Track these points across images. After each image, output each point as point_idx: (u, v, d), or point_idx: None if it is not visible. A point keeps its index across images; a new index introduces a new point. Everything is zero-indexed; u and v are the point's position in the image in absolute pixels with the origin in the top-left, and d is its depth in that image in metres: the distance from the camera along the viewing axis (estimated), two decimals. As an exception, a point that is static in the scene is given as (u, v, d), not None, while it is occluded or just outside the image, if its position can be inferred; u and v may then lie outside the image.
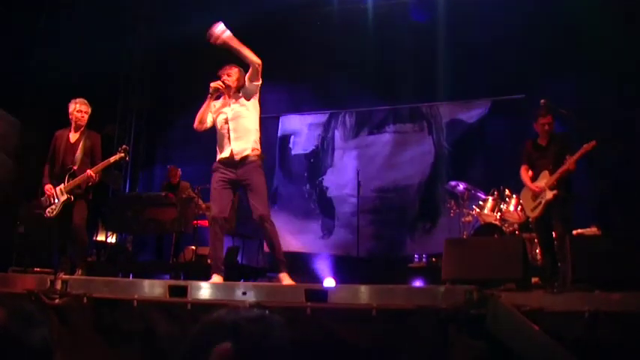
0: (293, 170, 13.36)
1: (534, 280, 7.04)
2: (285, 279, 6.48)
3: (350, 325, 5.10)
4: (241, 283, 8.01)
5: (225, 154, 6.61)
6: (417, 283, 9.29)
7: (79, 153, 7.60)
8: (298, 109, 13.63)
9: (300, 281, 8.60)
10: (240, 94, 6.76)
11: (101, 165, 7.50)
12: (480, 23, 11.55)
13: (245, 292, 5.55)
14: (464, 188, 9.90)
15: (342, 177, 12.76)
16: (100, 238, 12.45)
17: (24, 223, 10.39)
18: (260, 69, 6.58)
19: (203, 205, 10.35)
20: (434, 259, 10.42)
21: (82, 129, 7.74)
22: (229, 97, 6.82)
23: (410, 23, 12.32)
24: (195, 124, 6.85)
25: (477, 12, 11.59)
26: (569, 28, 10.75)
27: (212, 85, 6.77)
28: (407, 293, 5.46)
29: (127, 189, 14.28)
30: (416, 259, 10.84)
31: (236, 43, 6.46)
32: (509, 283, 6.17)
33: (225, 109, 6.78)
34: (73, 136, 7.71)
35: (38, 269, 8.53)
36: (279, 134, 13.61)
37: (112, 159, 7.54)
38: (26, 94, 12.54)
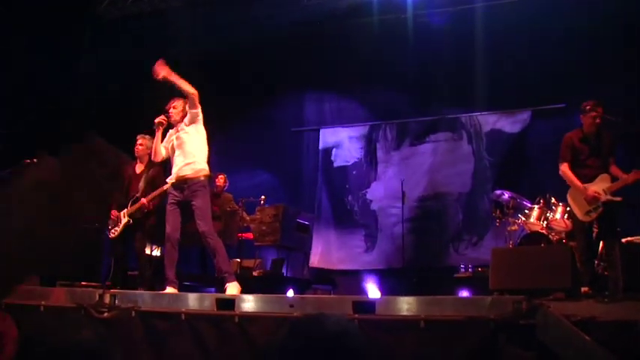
0: (335, 183, 13.32)
1: (584, 289, 6.89)
2: (230, 288, 6.79)
3: (398, 336, 5.08)
4: (288, 295, 8.03)
5: (172, 178, 7.31)
6: (464, 294, 9.21)
7: (141, 183, 8.43)
8: (338, 121, 13.62)
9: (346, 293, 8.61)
10: (184, 122, 7.35)
11: (154, 194, 8.25)
12: (518, 32, 11.46)
13: (292, 305, 5.57)
14: (509, 197, 9.77)
15: (385, 189, 12.69)
16: (146, 251, 12.55)
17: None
18: (196, 98, 7.17)
19: (247, 218, 10.39)
20: (480, 268, 10.31)
21: (146, 161, 8.54)
22: (176, 126, 7.42)
23: (449, 33, 12.23)
24: (152, 157, 7.72)
25: (515, 21, 11.49)
26: (610, 34, 10.62)
27: (156, 120, 7.46)
28: (454, 304, 5.43)
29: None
30: (462, 270, 10.74)
31: (174, 78, 7.06)
32: (557, 292, 6.08)
33: (172, 138, 7.44)
34: (139, 167, 8.61)
35: (84, 283, 8.64)
36: (320, 147, 13.61)
37: (165, 187, 8.02)
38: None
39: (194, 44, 13.66)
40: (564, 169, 7.05)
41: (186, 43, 13.93)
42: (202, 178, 7.20)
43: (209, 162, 7.40)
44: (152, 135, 8.36)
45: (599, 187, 6.84)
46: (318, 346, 1.60)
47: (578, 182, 6.94)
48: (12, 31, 11.97)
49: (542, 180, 10.17)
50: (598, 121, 6.94)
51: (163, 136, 7.55)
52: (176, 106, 7.41)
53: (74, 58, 13.27)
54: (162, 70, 7.06)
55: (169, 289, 6.98)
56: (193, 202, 7.08)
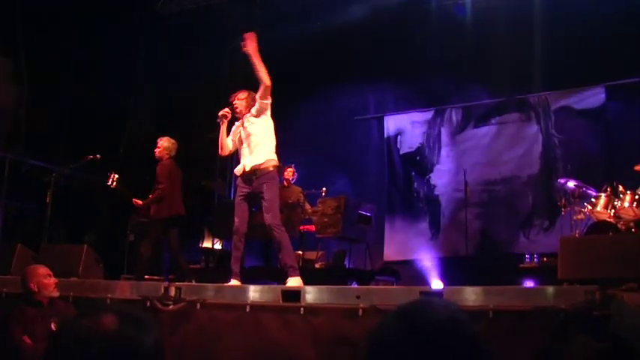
0: (402, 170, 13.27)
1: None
2: (291, 282, 6.74)
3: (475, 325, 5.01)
4: (354, 287, 8.00)
5: (240, 170, 7.26)
6: (529, 284, 9.04)
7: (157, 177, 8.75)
8: (402, 108, 13.55)
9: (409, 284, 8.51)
10: (251, 114, 7.24)
11: (148, 201, 8.71)
12: (581, 6, 11.13)
13: (359, 296, 5.53)
14: (575, 186, 9.57)
15: (449, 174, 12.57)
16: (207, 244, 12.68)
17: (134, 232, 10.72)
18: (269, 89, 7.06)
19: (310, 210, 10.38)
20: (545, 258, 10.12)
21: (161, 160, 8.84)
22: (242, 118, 7.33)
23: (509, 15, 12.00)
24: (219, 151, 7.55)
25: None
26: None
27: (219, 113, 7.39)
28: (523, 294, 5.36)
29: (232, 195, 14.47)
30: (527, 259, 10.54)
31: (257, 59, 6.96)
32: (630, 282, 5.91)
33: (239, 130, 7.39)
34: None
35: (147, 277, 8.77)
36: (385, 134, 13.54)
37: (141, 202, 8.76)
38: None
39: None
40: None
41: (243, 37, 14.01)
42: (271, 169, 7.13)
43: (277, 153, 7.31)
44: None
45: None
46: (429, 332, 1.54)
47: None
48: (71, 32, 12.22)
49: (615, 157, 9.94)
50: None
51: (228, 129, 7.49)
52: (240, 98, 7.32)
53: (133, 55, 13.48)
54: (251, 44, 6.95)
55: (233, 282, 6.98)
56: (262, 194, 7.02)
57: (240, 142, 7.31)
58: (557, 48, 11.33)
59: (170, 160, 8.87)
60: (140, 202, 8.78)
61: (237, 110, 7.31)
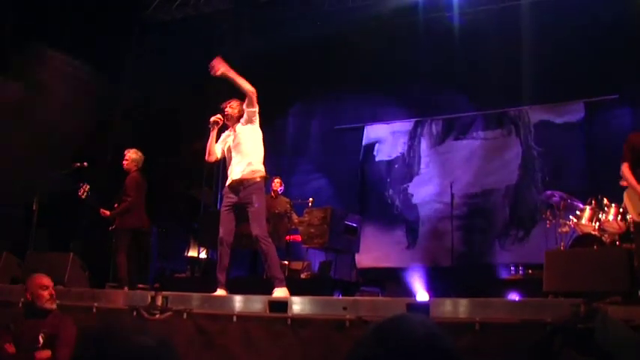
0: (375, 177, 13.39)
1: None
2: (277, 293, 6.74)
3: (454, 339, 5.03)
4: (340, 298, 8.01)
5: (229, 180, 7.24)
6: (514, 296, 9.09)
7: (123, 189, 8.90)
8: (384, 118, 13.64)
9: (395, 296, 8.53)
10: (240, 122, 7.26)
11: (115, 211, 8.84)
12: (565, 25, 11.37)
13: (345, 307, 5.55)
14: (559, 198, 9.64)
15: (428, 184, 12.69)
16: (192, 253, 12.68)
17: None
18: (254, 97, 7.07)
19: (296, 220, 10.40)
20: (530, 270, 10.18)
21: (129, 172, 8.98)
22: (232, 127, 7.34)
23: (494, 28, 12.14)
24: (206, 157, 7.51)
25: (561, 12, 11.38)
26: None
27: (211, 119, 7.35)
28: (509, 306, 5.38)
29: (219, 205, 14.43)
30: (512, 272, 10.62)
31: (233, 74, 7.01)
32: (614, 295, 5.97)
33: (228, 139, 7.40)
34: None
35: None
36: (363, 143, 13.65)
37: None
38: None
39: (237, 46, 13.79)
40: (624, 168, 6.98)
41: (230, 45, 14.07)
42: (258, 180, 7.11)
43: (265, 163, 7.32)
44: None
45: None
46: (407, 349, 1.56)
47: (634, 182, 6.88)
48: (60, 36, 12.19)
49: (594, 170, 10.05)
50: None
51: (218, 136, 7.49)
52: (232, 106, 7.33)
53: (121, 62, 13.46)
54: (220, 66, 6.96)
55: (219, 292, 6.97)
56: (248, 205, 6.99)
57: (229, 150, 7.29)
58: (538, 63, 11.51)
59: (138, 172, 8.99)
60: (107, 212, 8.86)
61: (228, 118, 7.30)
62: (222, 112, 7.35)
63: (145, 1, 13.70)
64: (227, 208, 7.17)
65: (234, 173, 7.15)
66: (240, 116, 7.27)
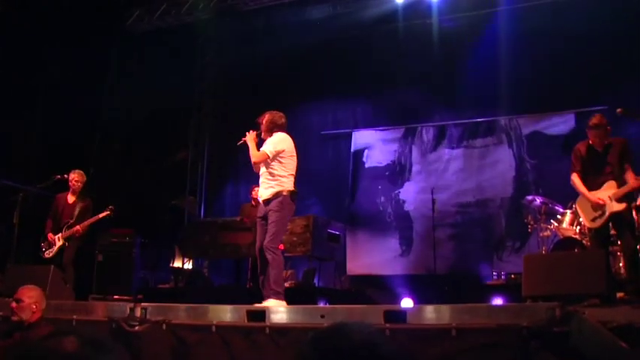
0: (366, 184, 13.35)
1: (619, 295, 6.80)
2: (268, 303, 6.71)
3: (429, 346, 5.03)
4: (319, 306, 8.00)
5: (260, 193, 7.38)
6: (497, 301, 9.10)
7: (76, 211, 9.38)
8: (372, 124, 13.64)
9: (381, 302, 8.54)
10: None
11: (88, 221, 9.34)
12: (555, 34, 11.47)
13: (323, 315, 5.55)
14: (541, 202, 9.68)
15: (421, 191, 12.65)
16: (177, 264, 12.64)
17: (102, 252, 10.70)
18: (260, 161, 7.24)
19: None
20: (512, 276, 10.20)
21: (77, 193, 9.51)
22: (264, 138, 7.44)
23: (483, 36, 12.21)
24: (253, 168, 7.47)
25: (550, 22, 11.47)
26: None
27: (246, 138, 7.42)
28: (487, 312, 5.38)
29: (202, 214, 14.40)
30: (494, 277, 10.63)
31: (251, 146, 7.28)
32: (592, 298, 5.98)
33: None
34: (71, 198, 9.51)
35: (117, 297, 8.72)
36: (352, 149, 13.63)
37: (100, 216, 9.43)
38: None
39: (220, 55, 13.79)
40: (573, 177, 7.34)
41: (213, 54, 14.08)
42: (285, 194, 7.09)
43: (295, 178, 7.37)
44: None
45: (604, 193, 7.06)
46: (344, 357, 1.56)
47: (583, 190, 7.22)
48: (43, 47, 12.16)
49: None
50: (594, 140, 7.19)
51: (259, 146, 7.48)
52: (263, 120, 7.48)
53: (102, 72, 13.44)
54: (248, 140, 7.29)
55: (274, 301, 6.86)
56: (268, 216, 7.05)
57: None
58: (529, 74, 11.61)
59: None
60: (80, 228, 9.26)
61: (262, 129, 7.44)
62: (258, 125, 7.45)
63: (126, 12, 13.69)
64: (259, 219, 7.28)
65: (263, 192, 7.25)
66: (269, 130, 7.39)
